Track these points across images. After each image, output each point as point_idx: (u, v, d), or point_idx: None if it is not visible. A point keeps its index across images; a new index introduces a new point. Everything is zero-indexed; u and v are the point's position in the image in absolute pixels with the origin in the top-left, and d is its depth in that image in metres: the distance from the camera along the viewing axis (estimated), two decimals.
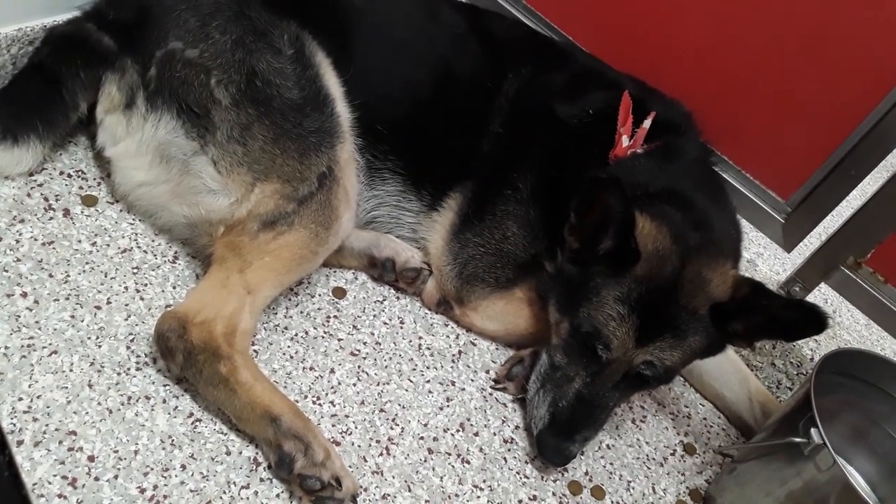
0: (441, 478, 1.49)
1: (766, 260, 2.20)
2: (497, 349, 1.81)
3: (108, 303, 1.47)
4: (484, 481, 1.53)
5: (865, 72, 1.86)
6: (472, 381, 1.71)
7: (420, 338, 1.74)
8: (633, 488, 1.67)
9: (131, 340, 1.43)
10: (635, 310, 1.46)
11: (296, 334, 1.60)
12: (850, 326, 2.17)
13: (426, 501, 1.44)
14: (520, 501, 1.53)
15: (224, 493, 1.29)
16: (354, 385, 1.57)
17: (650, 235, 1.48)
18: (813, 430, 1.44)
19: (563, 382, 1.56)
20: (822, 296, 2.21)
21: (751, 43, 1.99)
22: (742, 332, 1.52)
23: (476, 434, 1.60)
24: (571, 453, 1.54)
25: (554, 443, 1.54)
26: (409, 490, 1.44)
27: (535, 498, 1.55)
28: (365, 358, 1.63)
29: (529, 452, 1.62)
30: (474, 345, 1.79)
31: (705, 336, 1.49)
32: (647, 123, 1.69)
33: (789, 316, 1.45)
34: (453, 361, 1.73)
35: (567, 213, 1.55)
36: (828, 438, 1.42)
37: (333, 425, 1.48)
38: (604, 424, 1.60)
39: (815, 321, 1.40)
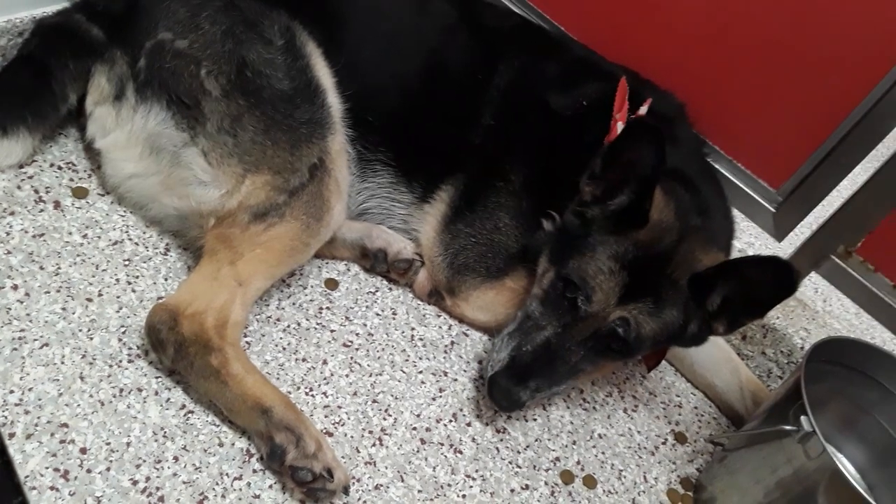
0: (434, 468, 1.50)
1: (756, 249, 2.20)
2: (490, 340, 1.81)
3: (100, 295, 1.47)
4: (476, 471, 1.53)
5: (856, 61, 1.86)
6: (465, 371, 1.71)
7: (413, 329, 1.74)
8: (625, 477, 1.68)
9: (123, 332, 1.43)
10: (626, 268, 1.46)
11: (288, 326, 1.60)
12: (840, 315, 2.18)
13: (419, 491, 1.45)
14: (512, 490, 1.53)
15: (217, 484, 1.30)
16: (347, 376, 1.57)
17: (658, 206, 1.48)
18: (803, 418, 1.45)
19: (532, 330, 1.55)
20: (813, 285, 2.22)
21: (740, 32, 1.98)
22: (720, 308, 1.51)
23: (468, 424, 1.61)
24: (521, 399, 1.52)
25: (505, 384, 1.52)
26: (402, 480, 1.45)
27: (527, 487, 1.55)
28: (357, 349, 1.63)
29: (522, 442, 1.63)
30: (467, 335, 1.80)
31: (682, 312, 1.49)
32: (643, 110, 1.68)
33: (761, 274, 1.43)
34: (446, 352, 1.73)
35: (561, 200, 1.56)
36: (818, 426, 1.42)
37: (326, 416, 1.48)
38: (558, 384, 1.56)
39: (785, 277, 1.39)
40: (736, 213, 1.89)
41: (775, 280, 1.41)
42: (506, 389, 1.52)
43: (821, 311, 2.14)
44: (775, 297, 1.45)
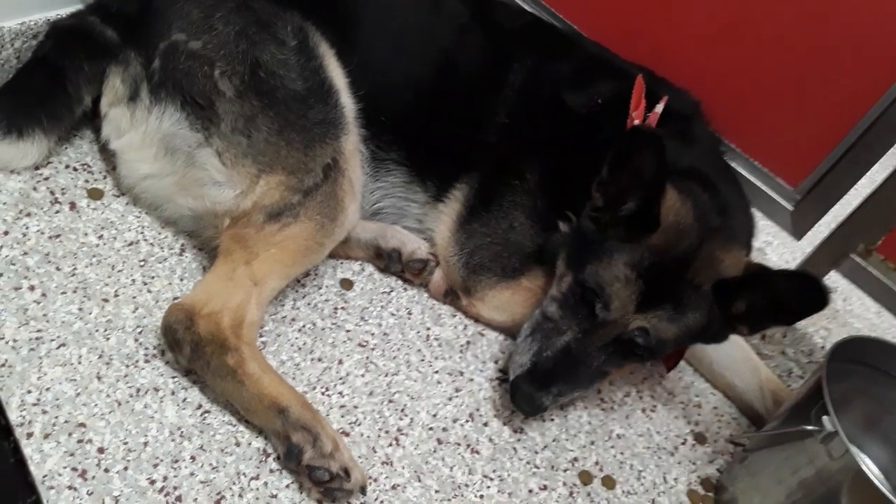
0: (451, 468, 1.49)
1: (775, 248, 2.18)
2: (506, 340, 1.80)
3: (116, 295, 1.47)
4: (494, 471, 1.52)
5: (875, 58, 1.85)
6: (481, 371, 1.70)
7: (428, 328, 1.73)
8: (644, 478, 1.67)
9: (139, 333, 1.43)
10: (643, 276, 1.44)
11: (303, 326, 1.60)
12: (860, 314, 2.15)
13: (436, 492, 1.44)
14: (530, 491, 1.52)
15: (234, 483, 1.29)
16: (363, 376, 1.56)
17: (673, 208, 1.46)
18: (825, 418, 1.43)
19: (553, 334, 1.54)
20: (833, 283, 2.18)
21: (758, 29, 1.97)
22: (745, 314, 1.49)
23: (485, 424, 1.60)
24: (543, 404, 1.52)
25: (528, 390, 1.51)
26: (419, 480, 1.44)
27: (545, 487, 1.54)
28: (373, 349, 1.62)
29: (540, 442, 1.61)
30: (482, 335, 1.79)
31: (706, 315, 1.47)
32: (659, 108, 1.67)
33: (790, 288, 1.42)
34: (461, 352, 1.72)
35: (576, 199, 1.54)
36: (840, 426, 1.40)
37: (342, 416, 1.48)
38: (581, 387, 1.57)
39: (816, 293, 1.37)
40: (754, 211, 1.87)
41: (804, 294, 1.40)
42: (528, 395, 1.51)
43: (841, 310, 2.11)
44: (805, 310, 1.45)
